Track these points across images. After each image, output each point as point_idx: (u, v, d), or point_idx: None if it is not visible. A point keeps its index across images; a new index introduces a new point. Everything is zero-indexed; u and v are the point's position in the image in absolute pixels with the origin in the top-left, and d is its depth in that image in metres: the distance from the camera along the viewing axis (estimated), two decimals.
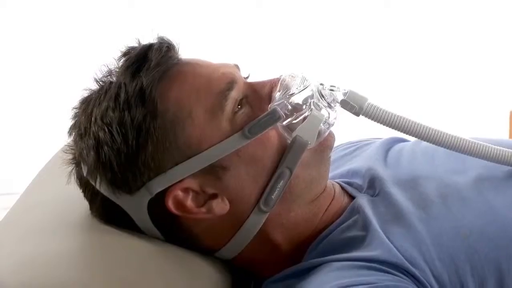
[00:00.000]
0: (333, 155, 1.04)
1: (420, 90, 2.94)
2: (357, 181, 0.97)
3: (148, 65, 0.86)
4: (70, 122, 0.91)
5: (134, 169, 0.84)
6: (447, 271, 0.84)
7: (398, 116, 0.89)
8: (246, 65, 0.96)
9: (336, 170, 1.03)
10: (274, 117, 0.87)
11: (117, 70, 0.88)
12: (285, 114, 0.88)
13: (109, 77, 0.89)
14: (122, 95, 0.85)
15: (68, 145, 0.92)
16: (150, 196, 0.85)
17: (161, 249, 0.89)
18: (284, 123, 0.88)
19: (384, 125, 0.90)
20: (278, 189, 0.86)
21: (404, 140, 1.08)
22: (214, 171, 0.86)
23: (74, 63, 2.74)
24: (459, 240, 0.85)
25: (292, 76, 0.90)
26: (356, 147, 1.06)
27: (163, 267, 0.86)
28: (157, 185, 0.85)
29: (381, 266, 0.83)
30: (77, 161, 0.90)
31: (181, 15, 2.77)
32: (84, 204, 0.92)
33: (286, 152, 0.87)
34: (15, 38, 2.77)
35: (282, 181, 0.86)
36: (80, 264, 0.81)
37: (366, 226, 0.88)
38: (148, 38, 0.93)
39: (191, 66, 0.88)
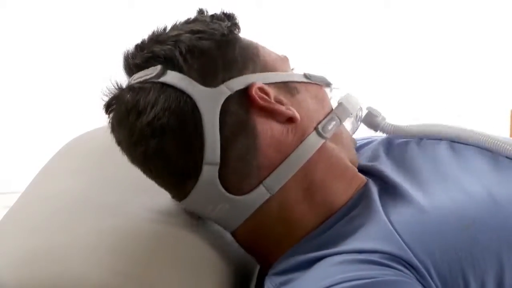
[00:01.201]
0: None
1: (420, 89, 2.95)
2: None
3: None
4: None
5: (224, 60, 0.91)
6: (448, 262, 0.83)
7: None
8: None
9: None
10: (325, 80, 0.99)
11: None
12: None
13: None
14: (204, 22, 0.95)
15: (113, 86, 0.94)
16: (230, 93, 0.89)
17: (176, 239, 0.90)
18: (331, 90, 0.99)
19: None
20: (334, 122, 0.94)
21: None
22: (287, 88, 0.94)
23: (74, 63, 2.75)
24: (461, 230, 0.85)
25: None
26: (359, 145, 1.07)
27: (175, 260, 0.87)
28: (238, 84, 0.90)
29: (383, 260, 0.83)
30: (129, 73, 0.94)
31: (181, 16, 2.77)
32: (87, 198, 0.92)
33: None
34: (15, 38, 2.77)
35: (336, 120, 0.95)
36: (83, 260, 0.80)
37: (372, 213, 0.89)
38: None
39: None
